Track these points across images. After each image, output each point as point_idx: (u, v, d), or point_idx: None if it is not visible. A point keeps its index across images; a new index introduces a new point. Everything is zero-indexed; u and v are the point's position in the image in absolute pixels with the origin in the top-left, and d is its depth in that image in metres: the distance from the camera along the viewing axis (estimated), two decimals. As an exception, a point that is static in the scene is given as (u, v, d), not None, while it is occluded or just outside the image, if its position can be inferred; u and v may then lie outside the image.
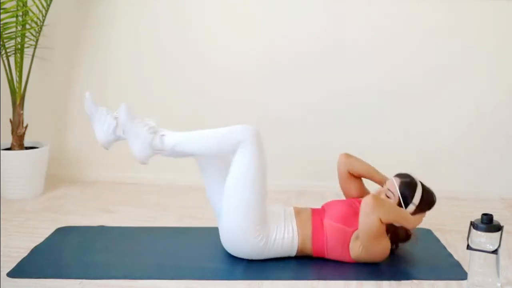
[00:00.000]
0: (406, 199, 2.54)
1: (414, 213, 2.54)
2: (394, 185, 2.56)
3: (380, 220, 2.41)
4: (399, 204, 2.54)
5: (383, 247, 2.50)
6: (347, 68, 3.60)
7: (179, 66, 3.71)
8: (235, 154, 2.53)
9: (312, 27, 3.59)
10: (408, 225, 2.54)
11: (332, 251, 2.56)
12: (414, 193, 2.54)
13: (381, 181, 2.71)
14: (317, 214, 2.63)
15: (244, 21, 3.65)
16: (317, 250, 2.57)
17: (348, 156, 2.77)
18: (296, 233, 2.56)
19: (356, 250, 2.52)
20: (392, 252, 2.61)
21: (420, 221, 2.58)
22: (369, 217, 2.41)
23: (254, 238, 2.51)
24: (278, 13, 3.61)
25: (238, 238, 2.54)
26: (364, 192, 2.77)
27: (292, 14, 3.59)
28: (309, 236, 2.56)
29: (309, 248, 2.58)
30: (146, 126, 2.56)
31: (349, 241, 2.52)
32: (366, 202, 2.42)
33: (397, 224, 2.53)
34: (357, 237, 2.51)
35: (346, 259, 2.55)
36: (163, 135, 2.56)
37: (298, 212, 2.64)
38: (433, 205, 2.60)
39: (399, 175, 2.61)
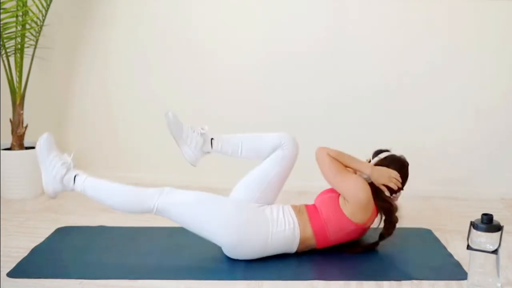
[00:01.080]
0: (373, 156, 2.71)
1: (377, 164, 2.67)
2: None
3: (329, 154, 2.63)
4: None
5: (354, 181, 2.59)
6: (347, 68, 3.60)
7: (180, 66, 3.71)
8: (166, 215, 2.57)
9: (312, 26, 3.59)
10: (361, 167, 2.64)
11: (331, 223, 2.59)
12: (382, 152, 2.71)
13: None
14: (311, 206, 2.70)
15: (244, 21, 3.65)
16: (317, 230, 2.60)
17: (323, 149, 2.78)
18: (296, 223, 2.59)
19: (343, 204, 2.59)
20: (383, 237, 2.66)
21: (384, 174, 2.62)
22: (319, 156, 2.66)
23: (256, 205, 2.61)
24: (278, 13, 3.61)
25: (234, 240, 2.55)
26: None
27: (292, 14, 3.60)
28: (307, 220, 2.60)
29: (310, 234, 2.60)
30: (61, 161, 2.58)
31: (339, 202, 2.60)
32: (316, 150, 2.68)
33: (367, 180, 2.62)
34: (328, 181, 2.66)
35: (345, 224, 2.58)
36: (76, 175, 2.58)
37: (294, 207, 2.69)
38: (403, 165, 2.69)
39: None
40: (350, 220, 2.58)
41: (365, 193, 2.57)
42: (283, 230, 2.56)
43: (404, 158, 2.72)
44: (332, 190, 2.69)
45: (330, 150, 2.66)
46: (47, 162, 2.61)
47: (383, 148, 2.74)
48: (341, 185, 2.60)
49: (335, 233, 2.61)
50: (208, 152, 2.77)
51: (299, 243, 2.60)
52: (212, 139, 2.75)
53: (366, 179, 2.62)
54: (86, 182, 2.59)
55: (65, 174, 2.59)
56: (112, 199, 2.58)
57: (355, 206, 2.57)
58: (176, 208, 2.54)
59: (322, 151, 2.67)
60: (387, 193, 2.63)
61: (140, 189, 2.59)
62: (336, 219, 2.59)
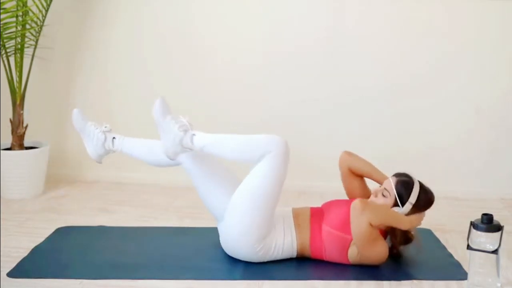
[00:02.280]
0: (402, 198, 2.50)
1: (410, 212, 2.51)
2: (390, 184, 2.53)
3: (371, 224, 2.40)
4: (395, 204, 2.51)
5: (379, 251, 2.48)
6: (347, 68, 3.60)
7: (180, 66, 3.71)
8: (260, 161, 2.51)
9: (312, 26, 3.59)
10: (402, 227, 2.50)
11: (331, 255, 2.56)
12: (411, 192, 2.51)
13: (380, 180, 2.67)
14: (316, 216, 2.62)
15: (244, 21, 3.65)
16: (315, 254, 2.58)
17: (349, 153, 2.75)
18: (295, 238, 2.57)
19: (354, 255, 2.51)
20: (393, 256, 2.59)
21: (418, 221, 2.54)
22: (358, 221, 2.40)
23: (253, 250, 2.52)
24: (278, 13, 3.61)
25: (239, 246, 2.54)
26: (366, 192, 2.74)
27: (292, 14, 3.60)
28: (307, 240, 2.57)
29: (307, 252, 2.59)
30: (178, 124, 2.56)
31: (348, 248, 2.51)
32: (354, 206, 2.42)
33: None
34: (355, 243, 2.49)
35: (344, 262, 2.55)
36: (194, 135, 2.56)
37: (296, 214, 2.64)
38: (431, 205, 2.56)
39: (396, 174, 2.58)
40: (350, 263, 2.55)
41: (382, 261, 2.51)
42: (281, 246, 2.56)
43: (431, 192, 2.57)
44: (346, 230, 2.49)
45: (371, 217, 2.40)
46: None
47: (401, 171, 2.59)
48: (364, 252, 2.47)
49: (332, 260, 2.57)
50: (112, 151, 2.82)
51: (296, 255, 2.60)
52: (114, 138, 2.81)
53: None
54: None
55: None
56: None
57: (363, 261, 2.51)
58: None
59: (364, 219, 2.39)
60: (412, 233, 2.58)
61: None
62: (338, 260, 2.55)
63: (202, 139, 2.55)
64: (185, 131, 2.56)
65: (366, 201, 2.47)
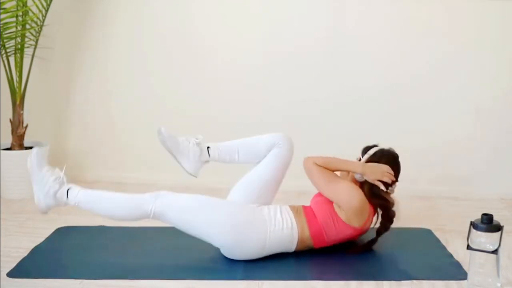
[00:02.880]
0: (362, 154, 2.70)
1: (367, 161, 2.65)
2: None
3: (315, 163, 2.61)
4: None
5: (344, 188, 2.57)
6: (347, 68, 3.60)
7: (180, 66, 3.71)
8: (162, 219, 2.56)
9: (312, 26, 3.59)
10: (354, 168, 2.62)
11: (328, 227, 2.58)
12: (371, 149, 2.69)
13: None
14: (307, 206, 2.69)
15: (244, 21, 3.65)
16: (315, 233, 2.59)
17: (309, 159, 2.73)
18: (294, 222, 2.59)
19: (339, 210, 2.58)
20: (380, 232, 2.67)
21: (376, 169, 2.60)
22: (305, 165, 2.64)
23: (253, 216, 2.55)
24: (278, 13, 3.61)
25: (240, 232, 2.54)
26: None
27: (292, 14, 3.60)
28: (304, 222, 2.59)
29: (307, 236, 2.59)
30: (53, 176, 2.55)
31: (334, 207, 2.58)
32: (302, 162, 2.66)
33: (360, 179, 2.62)
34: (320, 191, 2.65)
35: (342, 228, 2.58)
36: (69, 189, 2.55)
37: (292, 207, 2.68)
38: (393, 158, 2.68)
39: None
40: (348, 225, 2.58)
41: (358, 199, 2.55)
42: (281, 229, 2.56)
43: (393, 150, 2.71)
44: None
45: (316, 159, 2.65)
46: (39, 178, 2.55)
47: (371, 144, 2.74)
48: (333, 194, 2.59)
49: (332, 236, 2.61)
50: (207, 161, 2.77)
51: (297, 243, 2.60)
52: (208, 147, 2.76)
53: (359, 178, 2.62)
54: (79, 196, 2.55)
55: (58, 190, 2.55)
56: (108, 209, 2.56)
57: (350, 212, 2.56)
58: (173, 212, 2.53)
59: (309, 161, 2.65)
60: (383, 188, 2.61)
61: (134, 195, 2.58)
62: (333, 224, 2.59)
63: (77, 195, 2.54)
64: (61, 184, 2.55)
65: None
